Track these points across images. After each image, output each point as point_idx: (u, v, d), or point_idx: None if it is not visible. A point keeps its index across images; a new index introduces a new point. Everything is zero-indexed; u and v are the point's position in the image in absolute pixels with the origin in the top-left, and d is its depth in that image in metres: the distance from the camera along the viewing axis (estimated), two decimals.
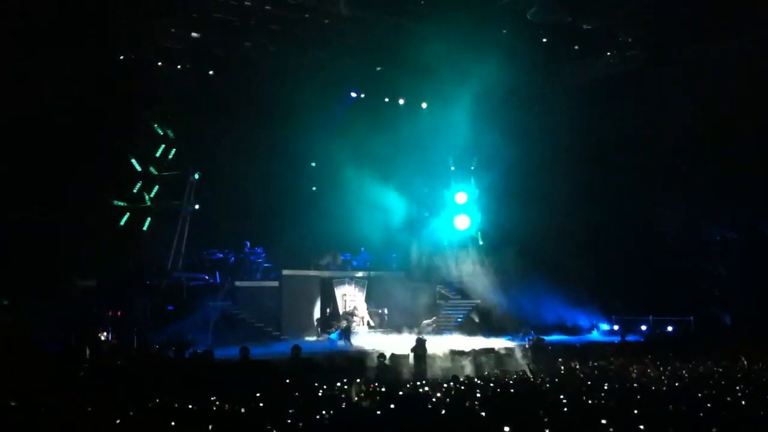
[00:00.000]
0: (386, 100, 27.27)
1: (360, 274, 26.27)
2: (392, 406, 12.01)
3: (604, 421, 10.21)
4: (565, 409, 11.09)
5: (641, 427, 10.01)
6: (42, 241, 18.96)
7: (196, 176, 23.33)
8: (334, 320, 24.38)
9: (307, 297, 24.46)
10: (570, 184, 26.02)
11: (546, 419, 10.49)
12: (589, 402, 12.01)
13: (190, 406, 11.35)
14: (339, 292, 25.45)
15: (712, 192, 25.59)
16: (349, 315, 24.81)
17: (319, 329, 24.20)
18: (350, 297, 25.67)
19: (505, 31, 24.22)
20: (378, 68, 25.38)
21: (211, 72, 23.38)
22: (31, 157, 19.23)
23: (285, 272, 24.28)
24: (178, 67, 22.85)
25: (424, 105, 27.85)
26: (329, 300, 25.21)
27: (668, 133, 26.12)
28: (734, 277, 25.52)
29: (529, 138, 26.26)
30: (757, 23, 22.61)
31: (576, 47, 25.59)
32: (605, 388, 13.94)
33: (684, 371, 16.79)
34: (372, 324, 25.24)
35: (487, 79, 25.35)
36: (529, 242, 25.89)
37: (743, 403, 11.75)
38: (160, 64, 22.31)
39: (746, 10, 22.09)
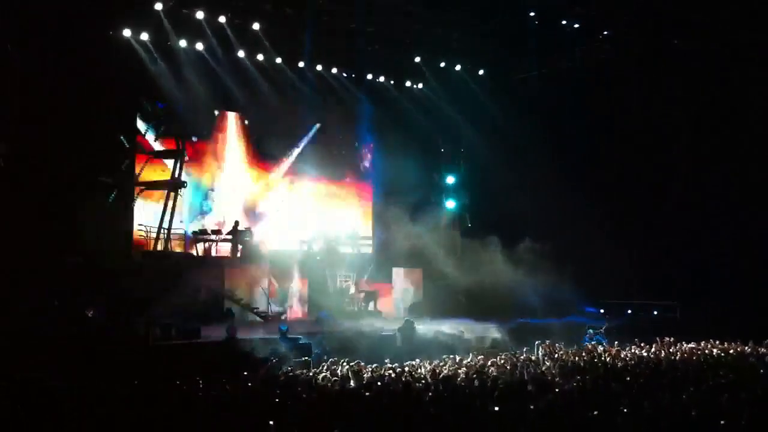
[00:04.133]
0: (379, 79, 27.18)
1: (351, 254, 26.28)
2: (379, 384, 12.12)
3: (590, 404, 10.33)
4: (556, 390, 11.19)
5: (624, 410, 10.13)
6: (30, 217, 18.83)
7: (185, 154, 23.19)
8: (323, 300, 24.33)
9: (296, 277, 24.42)
10: (559, 167, 26.10)
11: (531, 399, 10.60)
12: (574, 384, 12.12)
13: (175, 386, 11.38)
14: (329, 272, 25.42)
15: (705, 180, 25.73)
16: (339, 295, 24.86)
17: (307, 309, 24.20)
18: (341, 277, 25.70)
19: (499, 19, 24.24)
20: (369, 48, 25.29)
21: (200, 47, 23.14)
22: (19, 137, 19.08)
23: (275, 251, 24.28)
24: (168, 43, 22.64)
25: (420, 85, 27.77)
26: (316, 280, 25.16)
27: (662, 120, 26.24)
28: (724, 266, 25.64)
29: (518, 120, 26.30)
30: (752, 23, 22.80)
31: (568, 30, 25.54)
32: (588, 369, 14.08)
33: (663, 353, 17.04)
34: (363, 304, 25.30)
35: (477, 62, 25.36)
36: (517, 224, 26.00)
37: (723, 388, 11.87)
38: (147, 38, 22.07)
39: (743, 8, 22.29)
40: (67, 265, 19.47)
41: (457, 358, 15.64)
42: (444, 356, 16.07)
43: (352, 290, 25.40)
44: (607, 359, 15.93)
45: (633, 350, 17.71)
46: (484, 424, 9.17)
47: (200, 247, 23.65)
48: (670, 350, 17.79)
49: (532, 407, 10.05)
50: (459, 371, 13.66)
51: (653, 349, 17.83)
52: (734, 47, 23.87)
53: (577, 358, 16.02)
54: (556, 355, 16.51)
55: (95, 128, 20.58)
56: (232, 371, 13.42)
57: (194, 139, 23.83)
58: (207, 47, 23.11)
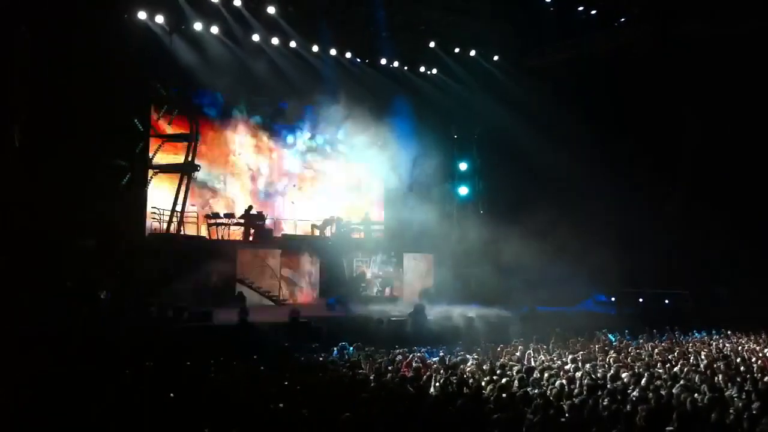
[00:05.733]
0: (393, 64, 27.09)
1: (365, 239, 26.30)
2: (389, 369, 12.18)
3: (598, 393, 10.35)
4: (562, 381, 11.18)
5: (634, 399, 10.15)
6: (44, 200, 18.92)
7: (198, 137, 23.21)
8: (338, 285, 24.37)
9: (308, 261, 24.49)
10: (570, 156, 25.99)
11: (540, 387, 10.62)
12: (584, 372, 12.11)
13: (187, 369, 11.46)
14: (345, 258, 25.43)
15: (715, 168, 25.55)
16: (355, 280, 24.91)
17: (319, 294, 24.29)
18: (356, 263, 25.76)
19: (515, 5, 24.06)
20: (383, 34, 25.20)
21: (216, 31, 23.10)
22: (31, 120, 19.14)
23: (286, 236, 24.30)
24: (183, 27, 22.64)
25: (434, 71, 27.67)
26: (331, 265, 25.19)
27: (675, 108, 26.06)
28: (735, 256, 25.51)
29: (532, 107, 26.17)
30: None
31: (584, 16, 25.36)
32: (599, 358, 14.08)
33: (674, 343, 17.01)
34: (379, 289, 25.38)
35: (491, 48, 25.16)
36: (528, 212, 25.91)
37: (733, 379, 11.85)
38: (162, 21, 22.07)
39: None
40: (81, 247, 19.57)
41: (467, 344, 15.69)
42: (454, 342, 16.13)
43: (369, 275, 25.48)
44: (618, 348, 15.93)
45: (644, 339, 17.70)
46: (493, 411, 9.20)
47: (213, 230, 23.69)
48: (681, 340, 17.78)
49: (541, 394, 10.09)
50: (468, 357, 13.69)
51: (664, 339, 17.82)
52: (747, 34, 23.65)
53: (587, 346, 16.03)
54: (567, 343, 16.52)
55: (110, 111, 20.62)
56: (243, 355, 13.51)
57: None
58: (222, 30, 23.07)
